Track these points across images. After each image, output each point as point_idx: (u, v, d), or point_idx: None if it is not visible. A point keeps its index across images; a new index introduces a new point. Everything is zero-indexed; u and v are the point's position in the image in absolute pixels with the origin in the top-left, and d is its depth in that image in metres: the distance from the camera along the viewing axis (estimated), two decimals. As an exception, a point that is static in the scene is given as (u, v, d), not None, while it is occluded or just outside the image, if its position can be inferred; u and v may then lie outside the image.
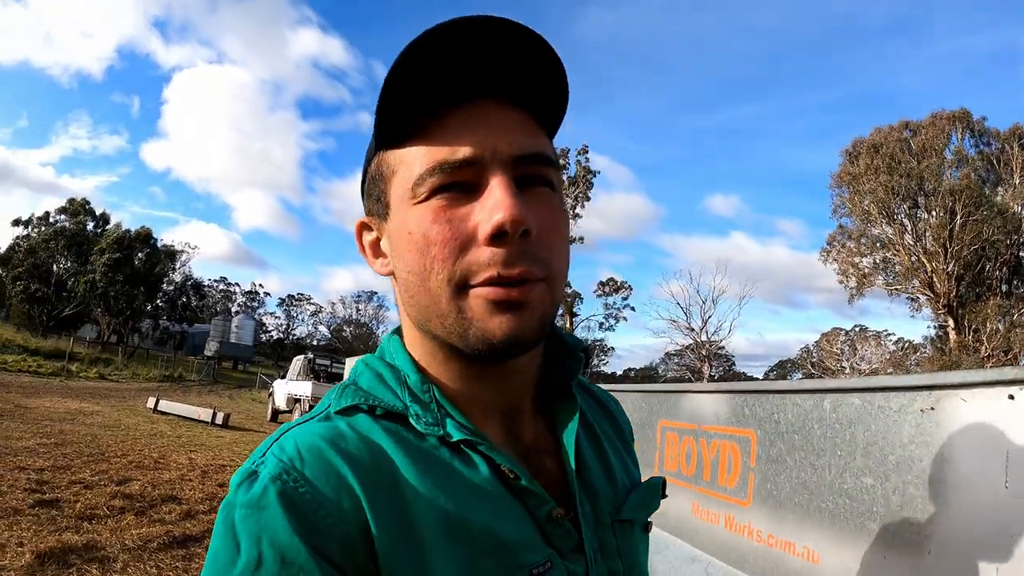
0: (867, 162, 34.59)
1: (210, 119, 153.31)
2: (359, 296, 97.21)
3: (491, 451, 0.75)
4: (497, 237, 0.69)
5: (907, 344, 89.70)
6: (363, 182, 0.85)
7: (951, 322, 34.93)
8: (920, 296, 35.97)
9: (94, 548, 5.96)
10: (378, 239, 0.84)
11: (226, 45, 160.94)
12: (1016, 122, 35.09)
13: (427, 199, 0.72)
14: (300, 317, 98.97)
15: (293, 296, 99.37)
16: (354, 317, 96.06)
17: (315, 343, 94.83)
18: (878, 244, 36.51)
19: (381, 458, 0.71)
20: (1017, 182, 34.34)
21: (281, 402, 23.98)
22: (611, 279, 65.52)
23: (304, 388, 21.81)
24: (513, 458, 0.78)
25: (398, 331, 0.88)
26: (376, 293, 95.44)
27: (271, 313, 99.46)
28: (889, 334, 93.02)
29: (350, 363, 20.81)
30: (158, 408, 20.38)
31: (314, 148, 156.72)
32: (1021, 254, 35.46)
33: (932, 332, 38.94)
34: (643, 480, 0.98)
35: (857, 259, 37.78)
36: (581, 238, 49.85)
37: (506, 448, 0.80)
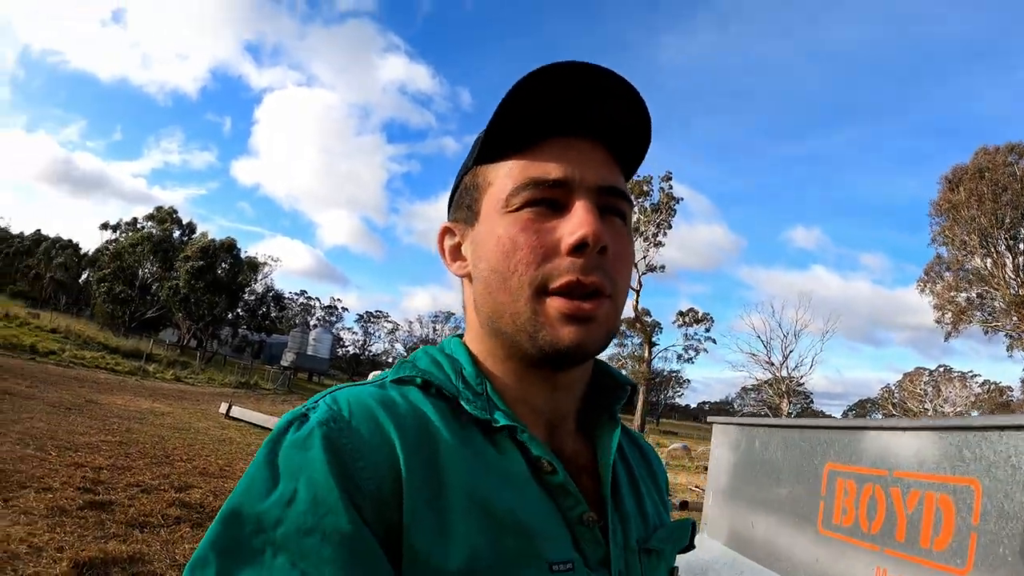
0: (970, 187, 33.15)
1: (299, 139, 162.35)
2: (436, 316, 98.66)
3: (532, 441, 0.79)
4: (578, 249, 0.77)
5: (993, 386, 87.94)
6: (453, 192, 0.94)
7: None
8: (1021, 333, 34.16)
9: (140, 561, 5.45)
10: (459, 244, 0.91)
11: (316, 69, 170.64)
12: None
13: (518, 210, 0.81)
14: (377, 334, 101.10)
15: (371, 313, 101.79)
16: (430, 337, 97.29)
17: (391, 360, 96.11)
18: (977, 277, 35.12)
19: (425, 426, 0.76)
20: None
21: None
22: (691, 309, 65.19)
23: None
24: (552, 455, 0.81)
25: (459, 335, 0.94)
26: (453, 314, 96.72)
27: (348, 328, 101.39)
28: (975, 375, 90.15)
29: None
30: (230, 414, 20.20)
31: (399, 171, 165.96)
32: None
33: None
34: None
35: (954, 293, 36.46)
36: (663, 266, 49.28)
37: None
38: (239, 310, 57.55)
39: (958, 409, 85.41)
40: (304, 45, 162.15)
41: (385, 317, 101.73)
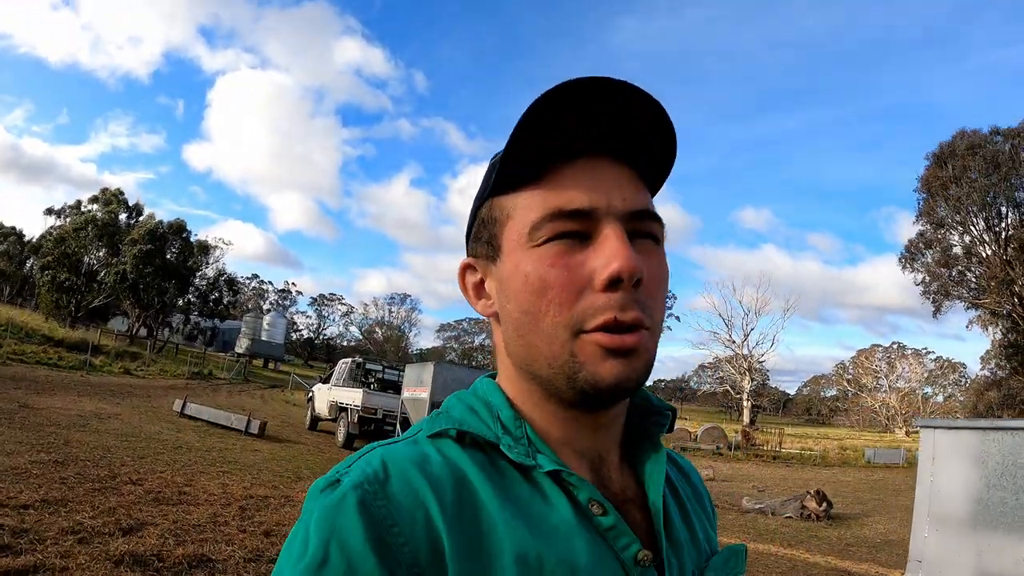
0: (961, 164, 32.84)
1: (252, 122, 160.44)
2: (392, 298, 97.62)
3: (581, 483, 0.76)
4: (613, 284, 0.73)
5: (946, 362, 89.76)
6: (471, 226, 0.89)
7: None
8: (1000, 309, 34.22)
9: None
10: (482, 280, 0.87)
11: (270, 51, 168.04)
12: None
13: (543, 243, 0.76)
14: (331, 317, 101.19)
15: (325, 296, 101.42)
16: (386, 319, 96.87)
17: (345, 344, 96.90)
18: (966, 253, 35.09)
19: (465, 484, 0.73)
20: None
21: (323, 409, 21.91)
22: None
23: (353, 396, 19.63)
24: (600, 495, 0.77)
25: (491, 375, 0.90)
26: (409, 296, 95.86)
27: (303, 312, 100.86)
28: (928, 351, 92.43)
29: (411, 371, 18.79)
30: (185, 411, 18.53)
31: (353, 154, 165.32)
32: None
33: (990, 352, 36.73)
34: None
35: (943, 269, 36.28)
36: None
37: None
38: (190, 296, 55.29)
39: (912, 384, 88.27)
40: (259, 27, 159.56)
41: (339, 300, 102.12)
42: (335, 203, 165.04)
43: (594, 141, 0.77)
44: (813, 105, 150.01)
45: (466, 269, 0.89)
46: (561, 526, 0.73)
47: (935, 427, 3.53)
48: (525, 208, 0.77)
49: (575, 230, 0.75)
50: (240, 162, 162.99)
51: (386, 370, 23.38)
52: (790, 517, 16.01)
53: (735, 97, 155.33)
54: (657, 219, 0.81)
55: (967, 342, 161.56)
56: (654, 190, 0.85)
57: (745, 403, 51.04)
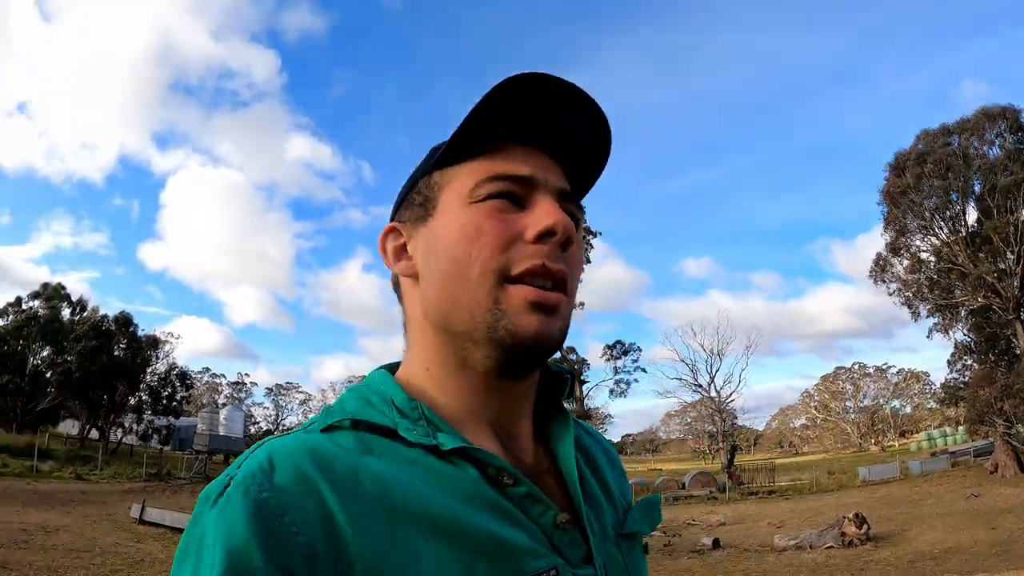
0: (916, 171, 33.76)
1: (205, 220, 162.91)
2: (349, 382, 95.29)
3: (488, 456, 0.76)
4: (545, 236, 0.79)
5: (909, 373, 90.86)
6: (403, 195, 0.92)
7: (1019, 328, 33.01)
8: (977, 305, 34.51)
9: None
10: (404, 244, 0.90)
11: (221, 150, 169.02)
12: None
13: (483, 200, 0.81)
14: (289, 407, 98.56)
15: (281, 385, 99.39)
16: None
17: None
18: (938, 257, 35.53)
19: (363, 467, 0.71)
20: None
21: None
22: (619, 342, 63.20)
23: None
24: (509, 465, 0.78)
25: (385, 367, 0.92)
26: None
27: (259, 404, 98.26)
28: (890, 367, 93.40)
29: None
30: (145, 517, 16.81)
31: (306, 245, 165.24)
32: None
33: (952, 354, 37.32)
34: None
35: (916, 276, 36.67)
36: (582, 303, 48.19)
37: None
38: (142, 393, 52.94)
39: (878, 401, 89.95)
40: (210, 128, 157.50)
41: (296, 388, 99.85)
42: (289, 294, 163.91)
43: (538, 134, 0.83)
44: (738, 153, 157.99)
45: (389, 233, 0.91)
46: (478, 497, 0.73)
47: None
48: (469, 172, 0.82)
49: (514, 192, 0.81)
50: (194, 260, 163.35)
51: None
52: (831, 547, 15.11)
53: (662, 155, 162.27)
54: (581, 208, 0.89)
55: (919, 352, 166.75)
56: (580, 195, 0.92)
57: (721, 444, 50.70)
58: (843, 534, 15.28)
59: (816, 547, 15.20)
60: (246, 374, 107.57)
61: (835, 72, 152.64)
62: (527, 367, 0.82)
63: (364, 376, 0.93)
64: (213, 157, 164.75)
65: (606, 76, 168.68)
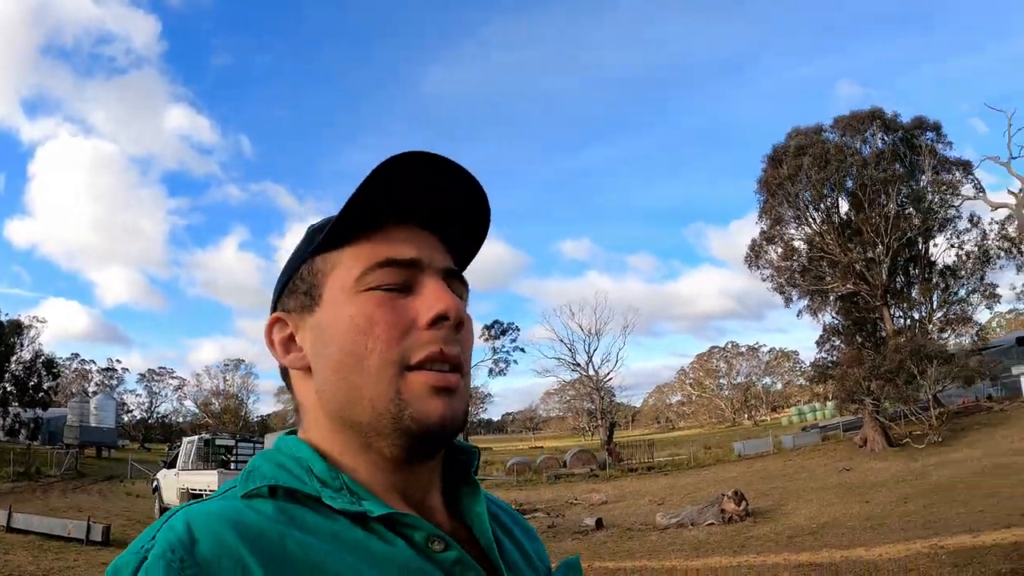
0: (794, 163, 35.43)
1: (76, 194, 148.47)
2: (226, 365, 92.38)
3: (417, 522, 0.75)
4: (438, 321, 0.79)
5: (779, 352, 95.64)
6: (283, 283, 0.90)
7: (886, 313, 35.88)
8: (844, 291, 36.98)
9: None
10: (291, 335, 0.87)
11: (95, 120, 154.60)
12: (919, 115, 37.04)
13: (369, 290, 0.80)
14: (164, 393, 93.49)
15: (154, 371, 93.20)
16: (222, 388, 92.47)
17: (182, 420, 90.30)
18: (810, 246, 37.52)
19: (291, 540, 0.69)
20: (929, 174, 36.09)
21: (172, 498, 19.61)
22: (496, 322, 64.01)
23: (207, 480, 17.87)
24: (441, 531, 0.78)
25: (291, 431, 0.89)
26: (243, 361, 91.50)
27: (132, 391, 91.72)
28: (762, 346, 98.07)
29: (271, 439, 16.74)
30: (12, 524, 15.73)
31: (182, 223, 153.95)
32: (932, 246, 37.61)
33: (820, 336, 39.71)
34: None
35: (785, 263, 38.63)
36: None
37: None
38: (6, 384, 49.76)
39: (751, 378, 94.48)
40: (84, 95, 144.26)
41: (170, 374, 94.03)
42: (163, 273, 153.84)
43: (422, 214, 0.84)
44: (620, 135, 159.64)
45: (274, 324, 0.89)
46: (406, 569, 0.71)
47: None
48: (353, 258, 0.82)
49: (400, 281, 0.80)
50: (64, 236, 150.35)
51: (240, 444, 21.28)
52: (712, 523, 15.64)
53: (548, 134, 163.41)
54: (466, 284, 0.90)
55: (789, 333, 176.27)
56: (462, 267, 0.92)
57: (600, 421, 51.70)
58: (723, 511, 15.84)
59: (697, 524, 15.69)
60: (118, 360, 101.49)
61: (722, 62, 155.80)
62: (434, 451, 0.82)
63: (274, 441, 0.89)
64: (86, 127, 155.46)
65: (495, 52, 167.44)
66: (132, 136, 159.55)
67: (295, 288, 0.87)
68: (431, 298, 0.79)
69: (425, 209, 0.84)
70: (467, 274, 0.91)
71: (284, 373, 0.90)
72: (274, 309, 0.91)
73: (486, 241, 0.94)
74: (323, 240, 0.83)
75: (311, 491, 0.74)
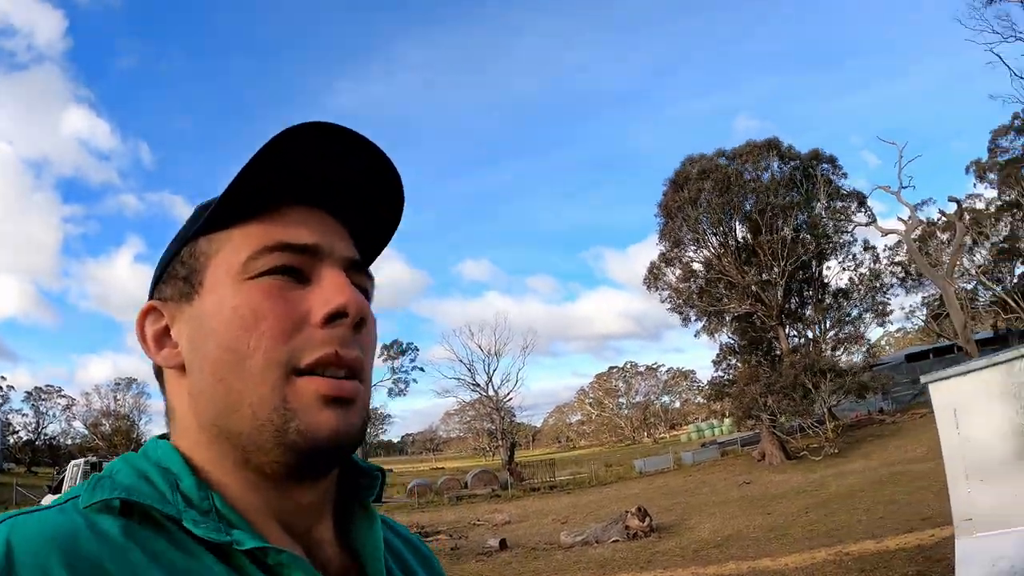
0: (695, 187, 36.35)
1: None
2: (117, 384, 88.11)
3: (293, 560, 0.63)
4: (335, 318, 0.68)
5: (677, 371, 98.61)
6: (163, 267, 0.76)
7: (781, 333, 36.99)
8: (742, 312, 38.02)
9: None
10: (167, 327, 0.74)
11: None
12: (815, 147, 38.86)
13: (259, 276, 0.69)
14: (51, 413, 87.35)
15: (41, 388, 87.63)
16: (112, 408, 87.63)
17: (71, 441, 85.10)
18: (708, 268, 38.56)
19: (130, 570, 0.57)
20: (824, 202, 37.79)
21: None
22: (396, 341, 63.07)
23: None
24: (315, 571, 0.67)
25: (164, 436, 0.75)
26: (135, 380, 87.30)
27: (17, 411, 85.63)
28: (660, 365, 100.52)
29: None
30: None
31: (76, 231, 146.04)
32: (825, 269, 39.77)
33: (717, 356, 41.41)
34: None
35: (686, 284, 39.54)
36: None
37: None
38: None
39: (649, 397, 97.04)
40: None
41: (59, 392, 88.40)
42: (55, 284, 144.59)
43: (321, 193, 0.73)
44: (522, 158, 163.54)
45: (147, 314, 0.75)
46: None
47: (949, 376, 3.35)
48: (241, 240, 0.69)
49: (295, 266, 0.69)
50: None
51: None
52: (617, 540, 15.54)
53: (449, 154, 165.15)
54: (371, 278, 0.78)
55: (686, 352, 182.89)
56: (368, 260, 0.81)
57: (501, 441, 51.65)
58: (627, 527, 15.81)
59: (602, 541, 15.56)
60: (3, 376, 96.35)
61: (627, 91, 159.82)
62: (324, 470, 0.69)
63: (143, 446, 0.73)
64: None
65: (402, 71, 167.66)
66: (28, 136, 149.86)
67: (174, 273, 0.73)
68: (329, 291, 0.68)
69: (326, 188, 0.72)
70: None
71: (158, 372, 0.75)
72: (151, 298, 0.76)
73: (392, 238, 0.81)
74: (208, 217, 0.70)
75: (171, 512, 0.61)
